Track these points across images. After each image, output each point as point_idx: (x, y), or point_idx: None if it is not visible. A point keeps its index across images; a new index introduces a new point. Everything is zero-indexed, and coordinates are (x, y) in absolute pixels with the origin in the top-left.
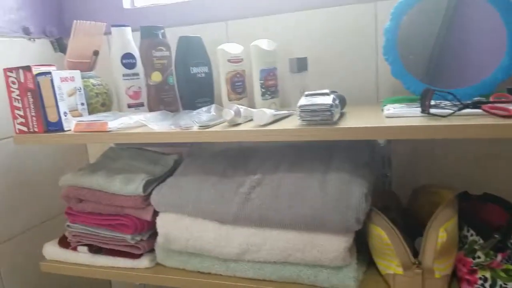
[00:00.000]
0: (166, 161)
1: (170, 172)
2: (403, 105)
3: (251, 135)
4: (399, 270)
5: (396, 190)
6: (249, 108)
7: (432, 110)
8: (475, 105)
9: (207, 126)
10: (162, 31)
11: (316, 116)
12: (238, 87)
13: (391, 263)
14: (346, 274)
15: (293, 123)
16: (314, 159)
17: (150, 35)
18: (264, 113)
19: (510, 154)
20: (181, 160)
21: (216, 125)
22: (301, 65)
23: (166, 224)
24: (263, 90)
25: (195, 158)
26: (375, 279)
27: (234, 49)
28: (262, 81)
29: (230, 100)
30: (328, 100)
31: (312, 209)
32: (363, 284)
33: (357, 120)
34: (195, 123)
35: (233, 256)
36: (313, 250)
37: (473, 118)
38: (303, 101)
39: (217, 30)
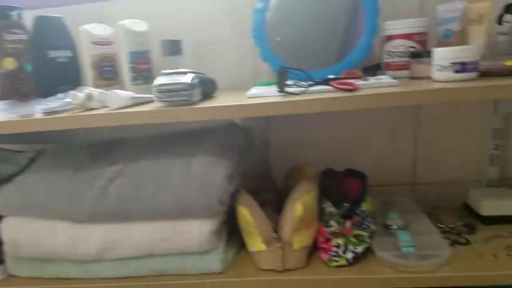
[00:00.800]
0: (18, 160)
1: (22, 172)
2: (267, 87)
3: (101, 120)
4: (263, 247)
5: (278, 174)
6: (105, 92)
7: (287, 89)
8: (325, 82)
9: (53, 113)
10: (18, 11)
11: (174, 96)
12: (107, 72)
13: (255, 241)
14: (213, 258)
15: (155, 106)
16: (182, 146)
17: (1, 16)
18: (118, 95)
19: (374, 132)
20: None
21: (66, 111)
22: (175, 48)
23: (11, 229)
24: (134, 74)
25: (52, 153)
26: (244, 259)
27: (100, 30)
28: (132, 65)
29: (97, 86)
30: (187, 79)
31: (175, 195)
32: (231, 265)
33: (220, 102)
34: (40, 109)
35: (91, 256)
36: (180, 238)
37: (323, 94)
38: (159, 80)
39: (88, 11)
